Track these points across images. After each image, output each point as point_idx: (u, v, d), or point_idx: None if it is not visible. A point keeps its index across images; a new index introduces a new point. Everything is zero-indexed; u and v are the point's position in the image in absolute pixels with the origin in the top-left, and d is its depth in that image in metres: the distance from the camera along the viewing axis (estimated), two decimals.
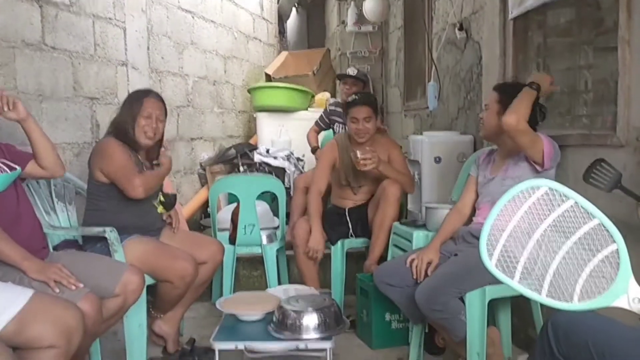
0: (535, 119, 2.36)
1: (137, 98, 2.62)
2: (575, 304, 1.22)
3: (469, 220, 2.59)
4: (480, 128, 2.58)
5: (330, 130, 4.60)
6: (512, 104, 2.28)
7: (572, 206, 1.22)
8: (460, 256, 2.40)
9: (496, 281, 1.29)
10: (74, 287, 1.99)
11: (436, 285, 2.26)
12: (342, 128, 4.40)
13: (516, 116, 2.23)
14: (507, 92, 2.42)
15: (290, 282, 3.48)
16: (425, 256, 2.44)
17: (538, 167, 2.33)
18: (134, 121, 2.56)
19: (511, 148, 2.45)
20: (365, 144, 3.21)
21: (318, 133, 4.62)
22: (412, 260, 2.46)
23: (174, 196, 2.81)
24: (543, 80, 2.36)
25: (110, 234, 2.42)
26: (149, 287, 2.49)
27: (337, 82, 4.86)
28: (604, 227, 1.20)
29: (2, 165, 2.13)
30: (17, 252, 2.01)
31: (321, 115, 4.61)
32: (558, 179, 2.39)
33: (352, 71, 4.53)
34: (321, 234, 3.16)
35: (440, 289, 2.24)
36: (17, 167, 2.18)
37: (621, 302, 1.22)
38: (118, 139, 2.56)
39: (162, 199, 2.72)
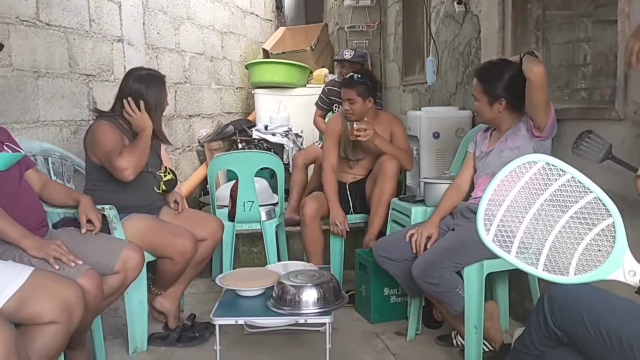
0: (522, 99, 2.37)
1: (159, 88, 2.63)
2: (572, 278, 1.24)
3: (468, 197, 2.60)
4: (477, 115, 2.57)
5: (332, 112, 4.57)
6: (528, 60, 2.24)
7: (568, 180, 1.23)
8: (457, 230, 2.41)
9: (493, 255, 1.30)
10: (72, 264, 2.01)
11: (432, 259, 2.28)
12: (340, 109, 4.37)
13: (542, 65, 2.22)
14: (488, 79, 2.42)
15: (290, 258, 3.51)
16: (425, 231, 2.46)
17: (536, 132, 2.33)
18: (164, 104, 2.65)
19: (510, 125, 2.45)
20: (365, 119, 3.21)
21: (324, 117, 4.59)
22: (412, 235, 2.48)
23: (175, 178, 2.80)
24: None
25: (110, 211, 2.43)
26: (148, 264, 2.51)
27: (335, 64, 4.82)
28: (600, 201, 1.21)
29: (5, 147, 2.13)
30: (17, 230, 2.01)
31: (320, 96, 4.58)
32: (556, 153, 2.39)
33: (348, 54, 4.45)
34: (340, 209, 3.18)
35: (436, 262, 2.26)
36: (20, 150, 2.19)
37: (617, 275, 1.24)
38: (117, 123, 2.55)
39: (164, 187, 2.70)
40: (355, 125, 3.04)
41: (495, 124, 2.53)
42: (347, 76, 3.34)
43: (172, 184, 2.75)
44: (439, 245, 2.37)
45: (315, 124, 4.59)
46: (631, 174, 1.82)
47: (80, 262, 2.03)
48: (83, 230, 2.26)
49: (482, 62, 3.22)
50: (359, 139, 3.05)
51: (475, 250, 2.17)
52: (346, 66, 4.40)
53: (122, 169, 2.41)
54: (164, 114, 2.71)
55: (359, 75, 3.24)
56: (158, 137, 2.66)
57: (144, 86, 2.57)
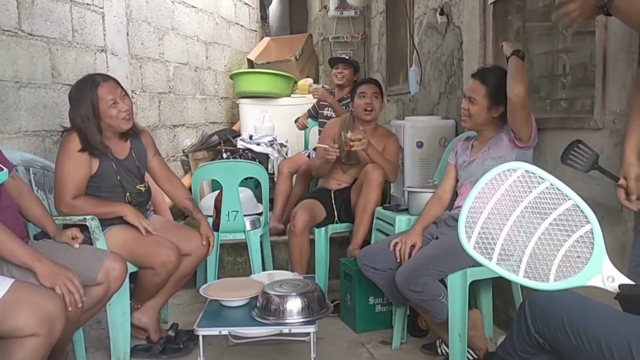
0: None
1: (87, 96, 2.43)
2: (551, 284, 1.25)
3: (451, 206, 2.62)
4: (464, 119, 2.53)
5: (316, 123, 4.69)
6: (512, 75, 2.27)
7: (547, 188, 1.25)
8: (441, 239, 2.43)
9: (477, 263, 1.32)
10: (80, 305, 1.95)
11: (416, 267, 2.29)
12: (332, 112, 4.44)
13: (523, 86, 2.24)
14: (493, 84, 2.42)
15: (275, 268, 3.50)
16: (409, 239, 2.47)
17: (518, 142, 2.36)
18: (99, 119, 2.45)
19: (493, 135, 2.48)
20: (368, 125, 3.23)
21: (307, 118, 4.73)
22: (396, 243, 2.48)
23: (147, 194, 2.70)
24: (516, 47, 2.36)
25: (92, 222, 2.41)
26: (131, 274, 2.48)
27: (325, 67, 4.91)
28: (579, 208, 1.23)
29: None
30: (27, 252, 1.96)
31: (313, 105, 4.69)
32: (536, 161, 2.42)
33: (344, 55, 4.60)
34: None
35: (420, 270, 2.27)
36: (5, 168, 2.16)
37: (596, 281, 1.25)
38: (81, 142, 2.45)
39: (128, 198, 2.58)
40: (349, 135, 3.06)
41: (480, 131, 2.54)
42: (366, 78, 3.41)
43: (135, 202, 2.63)
44: (422, 254, 2.38)
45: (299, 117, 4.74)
46: (610, 182, 1.85)
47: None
48: (76, 246, 2.23)
49: (463, 73, 3.26)
50: (353, 148, 3.07)
51: (458, 258, 2.18)
52: (340, 66, 4.47)
53: (67, 205, 2.41)
54: (125, 115, 2.50)
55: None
56: (98, 148, 2.47)
57: (74, 97, 2.48)
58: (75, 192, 2.44)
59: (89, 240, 2.40)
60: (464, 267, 2.26)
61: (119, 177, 2.57)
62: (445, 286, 2.30)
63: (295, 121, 4.72)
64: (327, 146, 3.19)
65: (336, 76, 4.47)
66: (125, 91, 2.57)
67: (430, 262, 2.29)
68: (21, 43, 2.92)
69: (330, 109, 4.50)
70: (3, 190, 2.17)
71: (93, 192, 2.52)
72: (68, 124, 2.55)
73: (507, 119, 2.42)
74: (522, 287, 2.35)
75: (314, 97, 4.54)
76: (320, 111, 4.56)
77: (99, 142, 2.48)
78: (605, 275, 1.24)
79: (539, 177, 1.26)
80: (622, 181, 1.71)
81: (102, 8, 3.69)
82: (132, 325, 2.63)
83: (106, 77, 2.55)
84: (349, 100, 4.27)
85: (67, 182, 2.43)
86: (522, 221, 1.26)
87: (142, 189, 2.66)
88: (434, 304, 2.28)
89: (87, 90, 2.45)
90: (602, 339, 1.24)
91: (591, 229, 1.23)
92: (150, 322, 2.67)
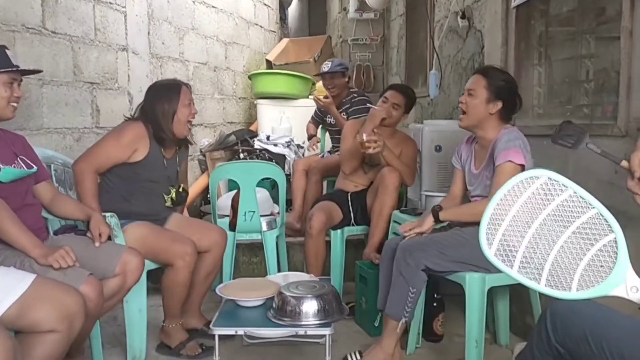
0: (512, 110, 2.42)
1: (175, 96, 2.62)
2: (574, 293, 1.24)
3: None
4: (461, 117, 2.45)
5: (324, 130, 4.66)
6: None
7: (570, 196, 1.23)
8: (451, 231, 2.45)
9: (479, 258, 1.30)
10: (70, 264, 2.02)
11: (421, 241, 2.35)
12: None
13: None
14: (494, 78, 2.38)
15: (290, 269, 3.50)
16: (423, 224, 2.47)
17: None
18: (174, 114, 2.61)
19: (492, 137, 2.39)
20: (385, 129, 3.22)
21: (316, 126, 4.67)
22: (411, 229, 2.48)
23: (186, 194, 2.82)
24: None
25: (111, 219, 2.43)
26: (149, 272, 2.50)
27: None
28: (602, 216, 1.21)
29: (20, 161, 2.15)
30: (29, 240, 2.02)
31: (315, 110, 4.60)
32: (558, 168, 2.39)
33: (326, 67, 4.30)
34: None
35: (422, 244, 2.32)
36: (34, 166, 2.20)
37: (619, 291, 1.24)
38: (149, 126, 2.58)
39: (173, 196, 2.71)
40: (365, 137, 3.03)
41: (476, 131, 2.46)
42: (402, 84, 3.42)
43: (180, 198, 2.77)
44: (430, 236, 2.42)
45: (307, 127, 4.66)
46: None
47: (77, 264, 2.04)
48: (97, 244, 2.26)
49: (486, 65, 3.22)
50: (369, 151, 3.03)
51: (463, 248, 2.23)
52: (327, 78, 4.27)
53: (79, 168, 2.50)
54: (191, 120, 2.69)
55: (410, 88, 3.34)
56: (169, 136, 2.61)
57: (164, 94, 2.63)
58: (98, 167, 2.53)
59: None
60: (466, 261, 2.25)
61: (168, 175, 2.68)
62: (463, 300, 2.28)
63: (309, 139, 4.63)
64: (368, 137, 3.03)
65: (328, 89, 4.27)
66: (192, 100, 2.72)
67: (436, 242, 2.32)
68: (44, 41, 2.95)
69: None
70: (29, 190, 2.20)
71: (130, 179, 2.59)
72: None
73: (506, 119, 2.41)
74: (541, 295, 2.33)
75: (317, 103, 4.31)
76: (324, 118, 4.52)
77: (171, 132, 2.61)
78: (629, 286, 1.22)
79: (562, 184, 1.25)
80: (624, 163, 1.56)
81: (125, 7, 3.72)
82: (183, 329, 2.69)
83: (185, 83, 2.73)
84: (347, 106, 4.20)
85: (99, 153, 2.53)
86: (544, 229, 1.24)
87: (172, 190, 2.74)
88: (400, 291, 2.31)
89: (175, 92, 2.64)
90: (625, 350, 1.22)
91: (615, 238, 1.21)
92: (202, 321, 2.80)
